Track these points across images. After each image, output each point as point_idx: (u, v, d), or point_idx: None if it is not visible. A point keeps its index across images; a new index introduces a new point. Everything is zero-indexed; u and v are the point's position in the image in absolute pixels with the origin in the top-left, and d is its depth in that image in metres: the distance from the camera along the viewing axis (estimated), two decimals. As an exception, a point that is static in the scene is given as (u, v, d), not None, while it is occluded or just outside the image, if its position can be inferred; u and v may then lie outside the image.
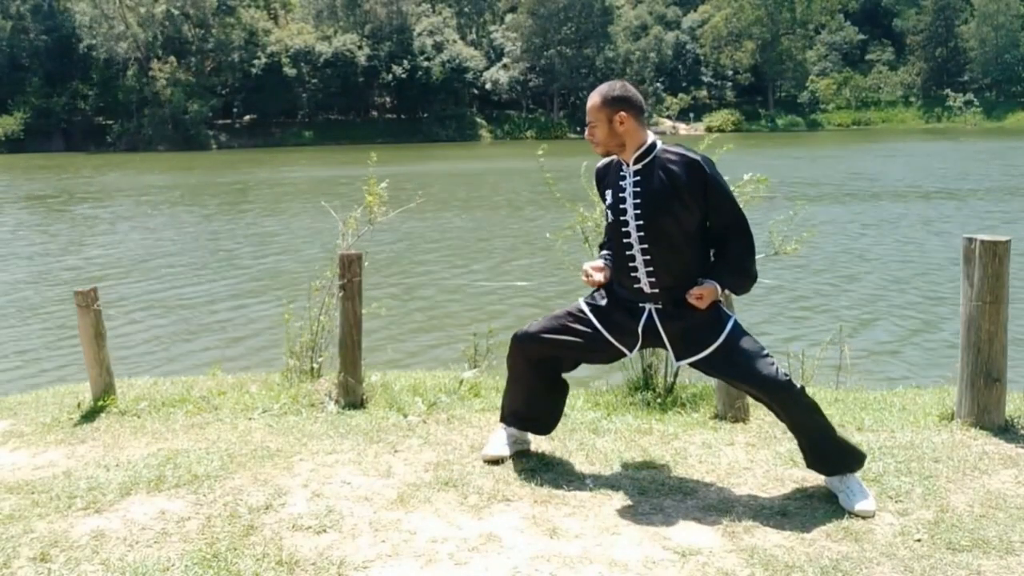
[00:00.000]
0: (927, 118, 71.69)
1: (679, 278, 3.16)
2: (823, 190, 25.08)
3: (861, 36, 75.76)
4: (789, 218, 4.68)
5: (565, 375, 3.55)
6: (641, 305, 3.23)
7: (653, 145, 3.19)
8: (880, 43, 76.68)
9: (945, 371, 6.12)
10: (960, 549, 2.76)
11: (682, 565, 2.70)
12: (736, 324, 3.19)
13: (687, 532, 2.92)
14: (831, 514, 3.01)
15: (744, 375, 3.13)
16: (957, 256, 3.99)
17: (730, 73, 74.04)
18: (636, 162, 3.19)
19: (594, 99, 3.20)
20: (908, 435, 3.79)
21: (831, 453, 3.16)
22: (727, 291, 3.30)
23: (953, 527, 2.90)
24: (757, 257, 3.24)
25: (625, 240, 3.20)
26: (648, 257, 3.17)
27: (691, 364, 3.25)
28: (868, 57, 76.44)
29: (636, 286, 3.22)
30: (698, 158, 3.12)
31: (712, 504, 3.12)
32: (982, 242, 3.78)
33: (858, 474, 3.18)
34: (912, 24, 75.74)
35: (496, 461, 3.52)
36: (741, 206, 3.26)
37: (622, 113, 3.14)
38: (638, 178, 3.18)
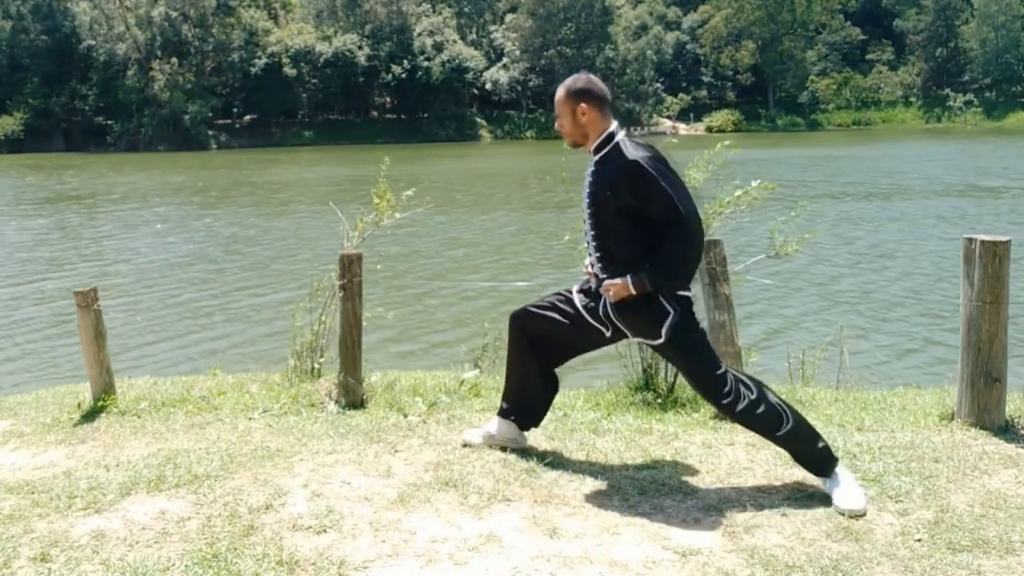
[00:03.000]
0: (927, 118, 71.69)
1: (623, 269, 3.19)
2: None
3: (861, 36, 75.73)
4: (791, 218, 4.67)
5: (558, 371, 3.64)
6: (599, 291, 3.33)
7: (611, 136, 3.22)
8: (880, 43, 76.66)
9: (946, 371, 6.12)
10: (960, 549, 2.76)
11: (682, 565, 2.69)
12: (676, 327, 3.15)
13: (687, 532, 2.92)
14: (831, 514, 3.01)
15: (687, 379, 3.33)
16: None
17: (730, 73, 74.06)
18: (595, 152, 3.26)
19: (559, 92, 3.30)
20: (908, 435, 3.79)
21: (802, 459, 3.23)
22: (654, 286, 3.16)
23: (953, 527, 2.90)
24: (760, 257, 3.23)
25: (584, 229, 3.34)
26: (596, 244, 3.27)
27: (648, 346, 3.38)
28: (868, 57, 76.43)
29: (594, 271, 3.34)
30: (636, 158, 3.10)
31: (712, 504, 3.12)
32: (982, 242, 3.78)
33: (854, 474, 3.18)
34: (912, 24, 75.75)
35: (467, 446, 3.68)
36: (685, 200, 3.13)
37: (583, 104, 3.22)
38: (593, 168, 3.26)
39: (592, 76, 3.31)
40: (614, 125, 3.24)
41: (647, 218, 3.13)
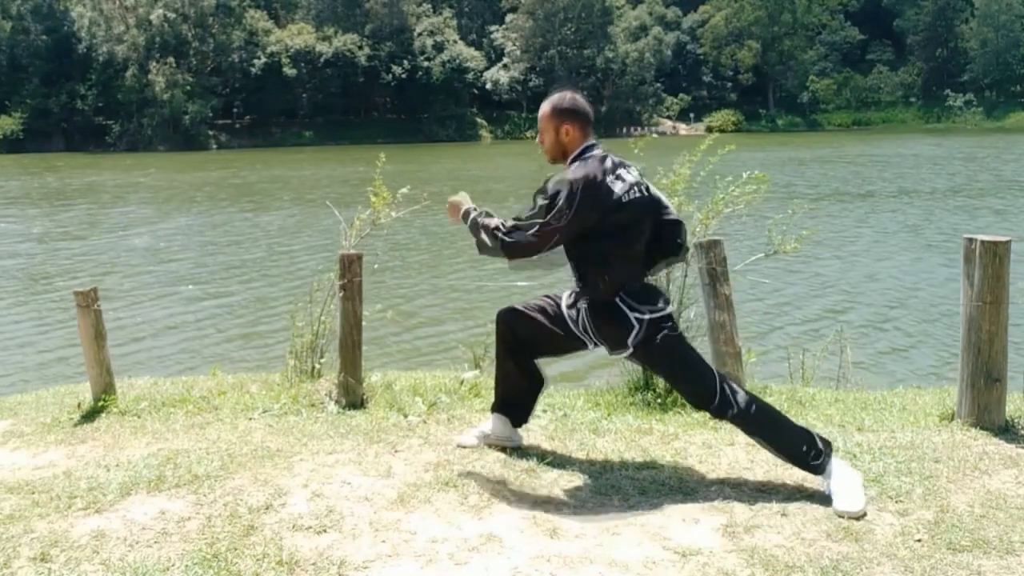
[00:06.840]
0: (927, 118, 71.65)
1: (582, 278, 3.28)
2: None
3: (861, 36, 75.72)
4: (788, 216, 4.67)
5: (544, 372, 3.67)
6: (580, 303, 3.34)
7: (584, 151, 3.24)
8: (880, 43, 76.62)
9: (946, 371, 6.12)
10: (960, 549, 2.76)
11: (682, 565, 2.69)
12: (643, 341, 3.20)
13: (687, 532, 2.91)
14: (831, 514, 3.01)
15: (668, 382, 3.32)
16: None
17: (730, 73, 74.02)
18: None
19: (544, 108, 3.32)
20: (908, 435, 3.78)
21: (791, 458, 3.21)
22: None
23: (953, 527, 2.90)
24: (766, 255, 3.23)
25: None
26: (569, 257, 3.31)
27: (627, 359, 3.36)
28: (868, 57, 76.40)
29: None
30: (571, 178, 3.13)
31: (712, 504, 3.12)
32: (982, 242, 3.78)
33: (854, 474, 3.18)
34: (912, 24, 75.69)
35: (462, 447, 3.70)
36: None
37: (567, 126, 3.25)
38: None
39: (578, 95, 3.33)
40: (591, 141, 3.27)
41: (586, 232, 3.20)
